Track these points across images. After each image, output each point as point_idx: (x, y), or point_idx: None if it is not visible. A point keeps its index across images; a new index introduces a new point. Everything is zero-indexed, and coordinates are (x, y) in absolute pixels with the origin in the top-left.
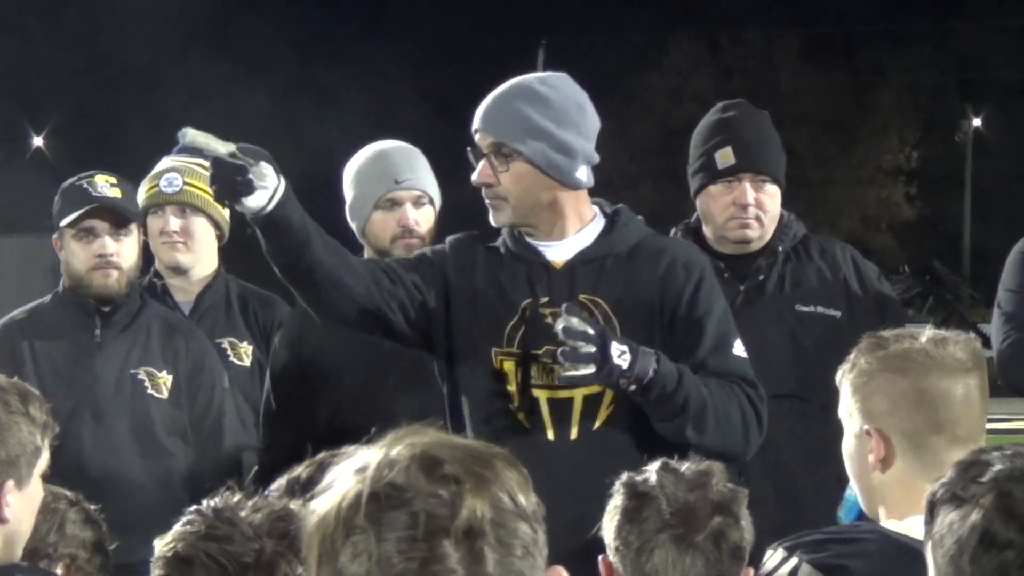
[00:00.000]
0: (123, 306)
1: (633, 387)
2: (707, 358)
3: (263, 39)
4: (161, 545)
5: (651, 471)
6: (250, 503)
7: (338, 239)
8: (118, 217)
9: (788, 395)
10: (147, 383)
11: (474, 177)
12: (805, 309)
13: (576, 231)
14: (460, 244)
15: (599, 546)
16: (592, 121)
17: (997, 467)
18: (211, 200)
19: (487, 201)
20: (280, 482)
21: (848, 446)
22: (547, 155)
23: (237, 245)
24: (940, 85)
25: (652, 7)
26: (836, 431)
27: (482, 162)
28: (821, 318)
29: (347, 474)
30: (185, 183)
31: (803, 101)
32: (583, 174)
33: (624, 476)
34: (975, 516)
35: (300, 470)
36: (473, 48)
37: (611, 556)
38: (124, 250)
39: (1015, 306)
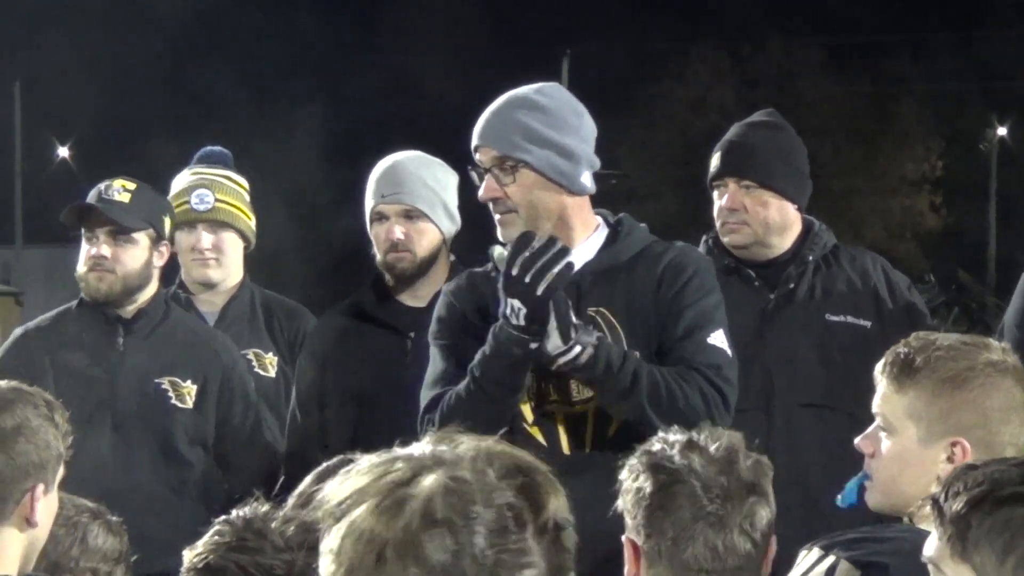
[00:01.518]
0: (146, 314)
1: (577, 350)
2: (677, 344)
3: (288, 47)
4: (191, 555)
5: (672, 448)
6: (281, 514)
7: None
8: (101, 219)
9: (816, 404)
10: (171, 393)
11: (480, 193)
12: (835, 319)
13: (582, 241)
14: (462, 290)
15: (618, 560)
16: (590, 126)
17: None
18: (241, 214)
19: (496, 217)
20: (302, 487)
21: (899, 450)
22: (553, 162)
23: (259, 253)
24: (964, 94)
25: (675, 18)
26: None
27: (487, 178)
28: (851, 328)
29: (399, 466)
30: (217, 200)
31: (826, 111)
32: (587, 179)
33: (641, 454)
34: None
35: (330, 463)
36: (497, 58)
37: (639, 539)
38: (123, 255)
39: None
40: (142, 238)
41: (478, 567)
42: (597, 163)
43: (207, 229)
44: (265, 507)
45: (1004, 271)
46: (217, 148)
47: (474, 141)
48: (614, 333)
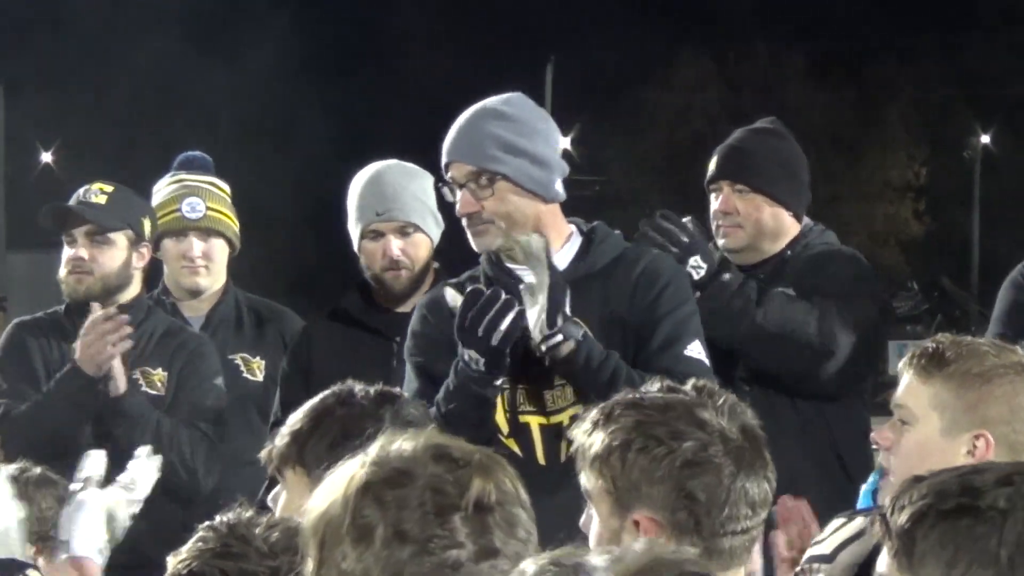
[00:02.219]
0: (128, 313)
1: (559, 338)
2: (654, 356)
3: (271, 53)
4: (175, 561)
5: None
6: (265, 520)
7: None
8: (78, 220)
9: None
10: (141, 381)
11: (458, 209)
12: None
13: (557, 250)
14: (434, 306)
15: None
16: (557, 133)
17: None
18: (229, 221)
19: (470, 230)
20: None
21: (921, 440)
22: (528, 171)
23: (241, 256)
24: (948, 101)
25: (660, 24)
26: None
27: (461, 192)
28: None
29: (348, 465)
30: (208, 208)
31: (810, 117)
32: (559, 187)
33: (629, 403)
34: None
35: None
36: (482, 65)
37: (658, 514)
38: (100, 256)
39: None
40: (120, 239)
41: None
42: (567, 169)
43: (198, 237)
44: (249, 513)
45: (987, 279)
46: (198, 153)
47: (445, 157)
48: None
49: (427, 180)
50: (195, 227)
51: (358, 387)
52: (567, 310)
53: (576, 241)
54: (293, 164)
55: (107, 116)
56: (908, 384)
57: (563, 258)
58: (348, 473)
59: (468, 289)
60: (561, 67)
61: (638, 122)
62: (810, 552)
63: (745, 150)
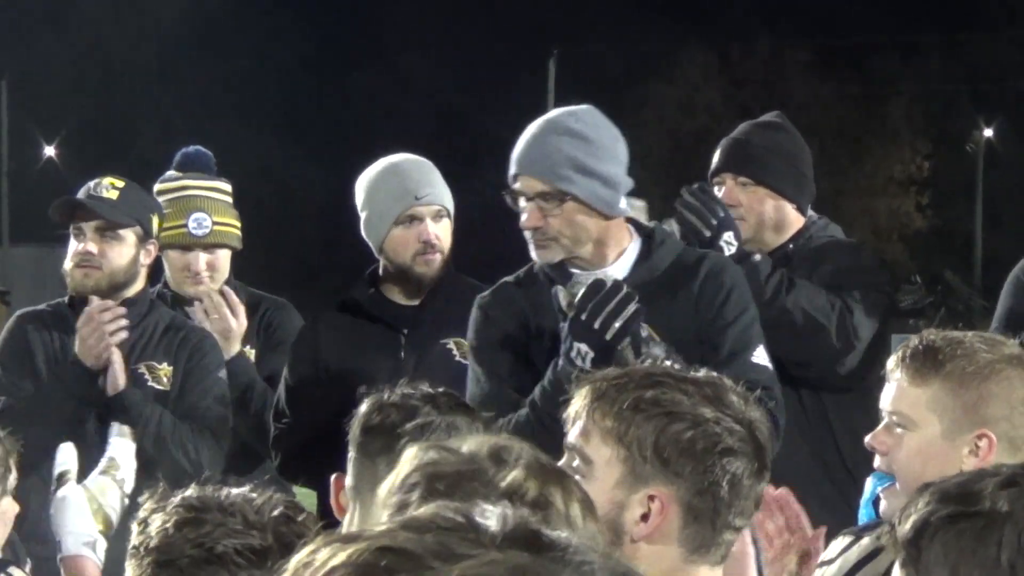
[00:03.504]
0: (132, 307)
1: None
2: (722, 366)
3: (273, 47)
4: (138, 532)
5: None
6: (264, 496)
7: (354, 253)
8: (90, 215)
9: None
10: (147, 376)
11: (523, 222)
12: None
13: (615, 258)
14: (498, 304)
15: None
16: (625, 149)
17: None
18: (234, 230)
19: (532, 241)
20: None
21: (921, 445)
22: (597, 192)
23: (245, 250)
24: (951, 95)
25: (663, 18)
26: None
27: (528, 205)
28: None
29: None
30: (215, 223)
31: (814, 111)
32: (623, 203)
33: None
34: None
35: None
36: (486, 58)
37: (674, 489)
38: (110, 252)
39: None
40: (129, 235)
41: None
42: (631, 184)
43: (204, 251)
44: (244, 488)
45: (990, 273)
46: (199, 149)
47: (513, 168)
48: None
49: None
50: (201, 244)
51: (399, 394)
52: (643, 335)
53: (636, 245)
54: (296, 159)
55: (109, 109)
56: (902, 388)
57: (624, 265)
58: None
59: (592, 279)
60: (564, 61)
61: (641, 117)
62: (819, 575)
63: (749, 143)
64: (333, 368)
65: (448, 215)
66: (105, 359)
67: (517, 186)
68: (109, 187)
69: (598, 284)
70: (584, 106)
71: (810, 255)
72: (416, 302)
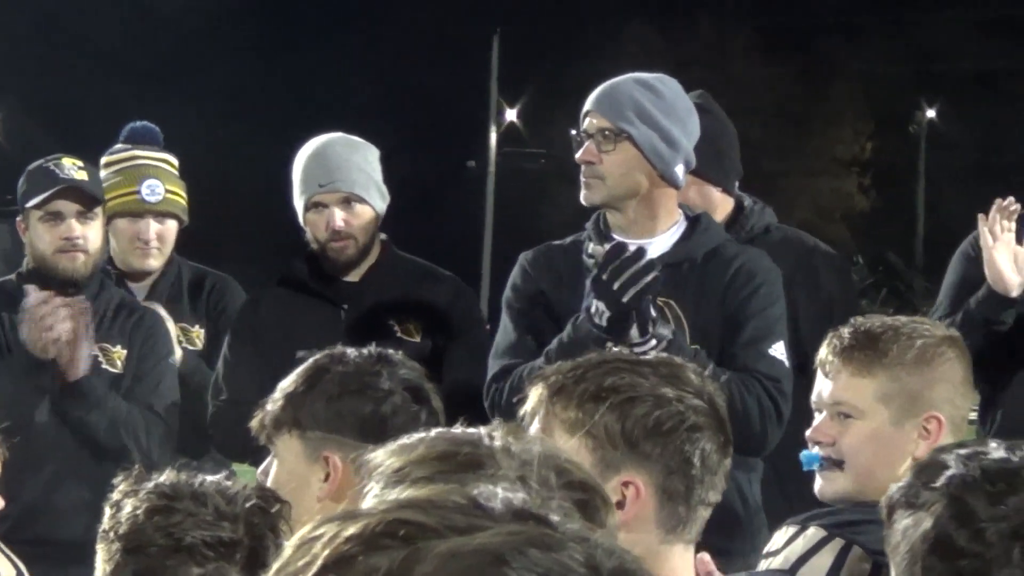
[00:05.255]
0: (86, 288)
1: (653, 343)
2: (739, 351)
3: (221, 23)
4: (109, 517)
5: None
6: (239, 485)
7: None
8: (86, 199)
9: None
10: (100, 358)
11: (578, 155)
12: None
13: (664, 231)
14: (540, 262)
15: None
16: (696, 126)
17: (951, 471)
18: (183, 200)
19: (583, 179)
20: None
21: (871, 434)
22: (653, 142)
23: (190, 225)
24: (894, 76)
25: None
26: None
27: (588, 143)
28: None
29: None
30: (167, 191)
31: (757, 91)
32: (680, 172)
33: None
34: (927, 523)
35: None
36: (429, 37)
37: (648, 476)
38: (90, 233)
39: (947, 302)
40: (100, 214)
41: None
42: (694, 162)
43: (155, 219)
44: (213, 477)
45: (932, 253)
46: (146, 124)
47: (586, 106)
48: (679, 326)
49: (371, 152)
50: (153, 210)
51: (350, 349)
52: (653, 314)
53: (681, 225)
54: (242, 135)
55: (54, 85)
56: (844, 380)
57: (668, 240)
58: None
59: (614, 242)
60: (507, 40)
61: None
62: (765, 566)
63: None
64: (272, 343)
65: (363, 200)
66: (55, 351)
67: (585, 123)
68: (75, 167)
69: (619, 247)
70: (670, 77)
71: (775, 250)
72: (356, 279)
